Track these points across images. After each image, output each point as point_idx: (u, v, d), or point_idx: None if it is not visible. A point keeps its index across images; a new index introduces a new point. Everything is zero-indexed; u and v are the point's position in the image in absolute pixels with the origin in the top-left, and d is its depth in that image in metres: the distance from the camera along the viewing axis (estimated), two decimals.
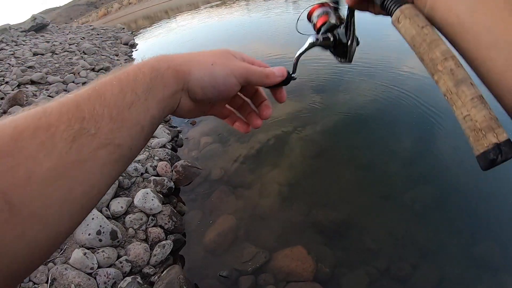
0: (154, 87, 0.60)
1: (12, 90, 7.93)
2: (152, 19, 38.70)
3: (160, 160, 5.46)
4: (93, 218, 3.75)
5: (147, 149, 5.70)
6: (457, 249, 3.48)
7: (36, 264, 0.49)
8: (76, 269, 3.34)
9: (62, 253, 3.59)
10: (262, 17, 19.49)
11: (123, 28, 28.82)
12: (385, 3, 0.71)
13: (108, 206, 4.29)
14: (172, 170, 5.26)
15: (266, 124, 6.15)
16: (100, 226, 3.71)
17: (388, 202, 4.08)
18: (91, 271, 3.39)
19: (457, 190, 4.10)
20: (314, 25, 0.98)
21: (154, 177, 4.99)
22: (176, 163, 5.37)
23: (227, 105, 0.88)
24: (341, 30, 0.91)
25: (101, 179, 0.52)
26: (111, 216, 4.15)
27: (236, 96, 0.87)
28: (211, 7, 32.37)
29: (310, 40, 0.91)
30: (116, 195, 4.52)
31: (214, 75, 0.68)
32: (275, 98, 0.88)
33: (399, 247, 3.60)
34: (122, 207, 4.27)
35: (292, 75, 0.83)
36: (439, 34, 0.62)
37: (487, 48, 0.54)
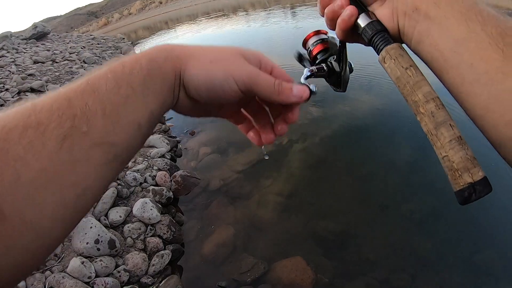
0: (152, 81, 0.55)
1: (12, 98, 7.95)
2: (152, 30, 38.94)
3: (159, 170, 5.46)
4: (91, 227, 3.74)
5: (146, 159, 5.70)
6: (457, 258, 3.48)
7: (27, 273, 0.46)
8: (74, 277, 3.32)
9: (59, 261, 3.57)
10: (261, 27, 19.69)
11: (123, 38, 28.96)
12: (372, 40, 0.71)
13: (106, 215, 4.28)
14: (171, 180, 5.25)
15: None
16: (99, 235, 3.70)
17: (386, 212, 4.08)
18: (89, 280, 3.36)
19: (455, 201, 4.10)
20: (310, 52, 0.96)
21: (153, 187, 4.98)
22: (175, 173, 5.36)
23: (242, 109, 0.79)
24: (334, 60, 0.91)
25: (95, 181, 0.48)
26: (109, 225, 4.14)
27: (253, 100, 0.77)
28: (210, 18, 32.67)
29: (306, 73, 0.87)
30: (114, 204, 4.50)
31: (210, 75, 0.60)
32: (285, 116, 0.77)
33: (398, 257, 3.59)
34: (120, 216, 4.26)
35: (314, 91, 0.75)
36: (422, 73, 0.64)
37: (471, 83, 0.56)
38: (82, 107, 0.47)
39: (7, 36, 15.62)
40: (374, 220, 4.02)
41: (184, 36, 25.35)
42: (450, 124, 0.58)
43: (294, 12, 22.61)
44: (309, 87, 0.72)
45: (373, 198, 4.33)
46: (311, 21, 17.86)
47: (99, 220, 4.05)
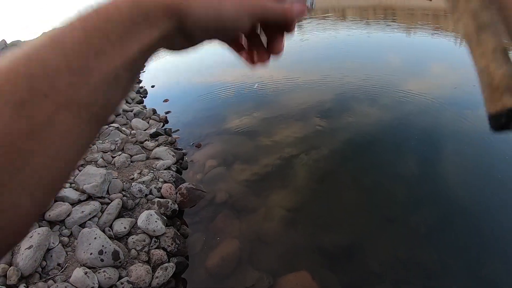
0: (134, 29, 0.46)
1: None
2: None
3: (165, 182, 5.45)
4: (95, 238, 3.73)
5: (152, 171, 5.69)
6: (463, 271, 3.43)
7: None
8: None
9: (62, 271, 3.55)
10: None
11: None
12: None
13: (111, 226, 4.27)
14: (176, 193, 5.23)
15: (271, 147, 6.17)
16: (103, 246, 3.68)
17: (392, 225, 4.04)
18: None
19: (462, 212, 4.06)
20: None
21: (158, 199, 4.96)
22: (180, 186, 5.34)
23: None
24: None
25: (66, 149, 0.42)
26: (113, 236, 4.12)
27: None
28: None
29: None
30: (119, 215, 4.49)
31: (222, 14, 0.51)
32: (271, 48, 0.69)
33: (404, 270, 3.54)
34: (125, 228, 4.24)
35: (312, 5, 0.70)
36: None
37: None
38: (41, 64, 0.40)
39: (17, 45, 15.73)
40: (380, 232, 3.98)
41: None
42: (495, 30, 0.47)
43: (300, 25, 22.82)
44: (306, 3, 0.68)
45: (379, 211, 4.30)
46: (318, 34, 18.04)
47: (103, 231, 4.03)
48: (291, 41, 16.90)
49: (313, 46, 15.27)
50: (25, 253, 3.36)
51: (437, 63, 10.23)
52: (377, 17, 22.23)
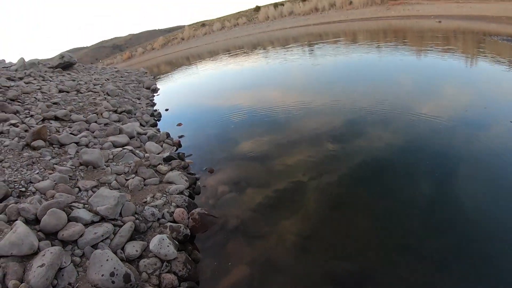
0: None
1: (37, 124, 8.16)
2: (174, 65, 39.98)
3: (177, 206, 5.45)
4: (107, 260, 3.72)
5: (164, 195, 5.71)
6: None
7: None
8: None
9: None
10: (280, 63, 20.12)
11: (146, 72, 29.72)
12: None
13: (123, 249, 4.26)
14: (188, 217, 5.23)
15: (283, 172, 6.17)
16: (114, 268, 3.67)
17: (406, 252, 3.96)
18: None
19: (477, 238, 3.96)
20: None
21: (171, 223, 4.96)
22: (193, 211, 5.34)
23: None
24: None
25: None
26: (125, 259, 4.11)
27: None
28: (231, 55, 33.49)
29: None
30: (131, 238, 4.49)
31: None
32: None
33: None
34: (137, 251, 4.23)
35: None
36: None
37: None
38: None
39: (35, 63, 16.07)
40: (393, 260, 3.90)
41: (205, 71, 25.95)
42: None
43: (312, 50, 23.16)
44: None
45: (392, 238, 4.23)
46: (329, 58, 18.24)
47: (115, 253, 4.03)
48: (303, 66, 17.19)
49: (325, 71, 15.46)
50: (37, 270, 3.36)
51: (447, 84, 10.24)
52: (388, 40, 22.44)
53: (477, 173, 5.24)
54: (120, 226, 4.59)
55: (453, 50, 15.86)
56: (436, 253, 3.85)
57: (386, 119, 7.71)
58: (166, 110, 14.02)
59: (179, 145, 8.90)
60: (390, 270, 3.80)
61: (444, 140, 6.30)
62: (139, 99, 15.90)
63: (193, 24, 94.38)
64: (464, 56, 14.11)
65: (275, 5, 72.63)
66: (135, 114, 12.15)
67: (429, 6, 40.20)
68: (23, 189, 5.04)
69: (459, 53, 14.86)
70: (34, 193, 5.01)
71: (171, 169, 6.82)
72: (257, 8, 78.66)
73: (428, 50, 16.40)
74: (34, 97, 10.70)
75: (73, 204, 4.85)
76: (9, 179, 5.20)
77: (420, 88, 10.04)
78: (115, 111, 11.51)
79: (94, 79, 18.28)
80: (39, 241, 3.82)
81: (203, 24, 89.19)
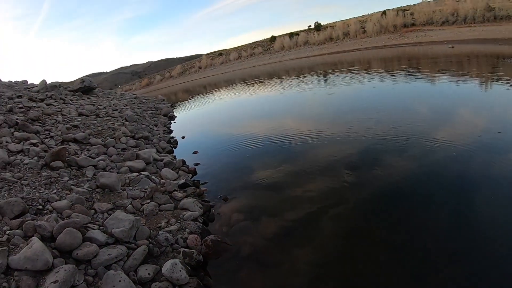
0: None
1: (56, 145, 8.32)
2: (191, 93, 40.59)
3: (191, 232, 5.43)
4: (120, 281, 3.71)
5: (179, 221, 5.70)
6: None
7: None
8: None
9: None
10: (295, 93, 20.33)
11: (164, 100, 30.27)
12: None
13: (135, 271, 4.24)
14: (202, 244, 5.20)
15: (297, 201, 6.14)
16: None
17: (422, 283, 3.84)
18: None
19: (496, 269, 3.82)
20: None
21: (184, 249, 4.94)
22: (206, 237, 5.32)
23: None
24: None
25: None
26: (137, 281, 4.08)
27: None
28: (247, 84, 33.95)
29: None
30: (144, 261, 4.47)
31: None
32: None
33: None
34: (149, 274, 4.20)
35: None
36: None
37: None
38: None
39: (56, 86, 16.44)
40: None
41: (222, 100, 26.32)
42: None
43: (327, 79, 23.40)
44: None
45: (408, 268, 4.11)
46: (344, 87, 18.38)
47: (128, 275, 4.01)
48: (318, 95, 17.36)
49: (340, 99, 15.60)
50: (50, 286, 3.37)
51: (462, 110, 10.24)
52: (402, 67, 22.57)
53: (495, 200, 5.12)
54: (134, 249, 4.59)
55: (467, 75, 15.92)
56: (454, 284, 3.73)
57: (400, 147, 7.68)
58: (183, 137, 14.19)
59: (194, 172, 8.94)
60: None
61: (459, 167, 6.22)
62: (156, 125, 16.15)
63: (210, 53, 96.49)
64: (478, 81, 14.11)
65: (290, 35, 74.10)
66: (152, 141, 12.32)
67: (442, 32, 40.58)
68: (40, 207, 5.10)
69: (473, 78, 14.90)
70: (51, 211, 5.07)
71: (186, 196, 6.84)
72: (273, 38, 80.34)
73: (442, 76, 16.48)
74: (55, 119, 10.95)
75: (89, 225, 4.89)
76: (27, 196, 5.28)
77: (435, 114, 10.02)
78: (133, 137, 11.69)
79: (113, 104, 18.67)
80: (54, 258, 3.83)
81: (220, 53, 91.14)
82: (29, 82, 19.69)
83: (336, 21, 71.73)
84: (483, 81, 13.81)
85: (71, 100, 15.93)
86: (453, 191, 5.58)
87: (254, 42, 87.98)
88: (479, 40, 30.62)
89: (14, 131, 8.44)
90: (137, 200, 6.33)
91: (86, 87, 19.41)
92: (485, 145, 6.95)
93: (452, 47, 29.67)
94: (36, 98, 13.50)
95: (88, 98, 18.23)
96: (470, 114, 9.64)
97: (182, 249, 4.92)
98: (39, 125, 9.71)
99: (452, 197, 5.39)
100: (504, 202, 5.03)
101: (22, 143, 7.78)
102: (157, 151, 10.96)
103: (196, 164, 9.60)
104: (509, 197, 5.13)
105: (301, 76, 29.21)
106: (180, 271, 4.26)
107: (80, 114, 12.99)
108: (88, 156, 8.12)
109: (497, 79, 13.52)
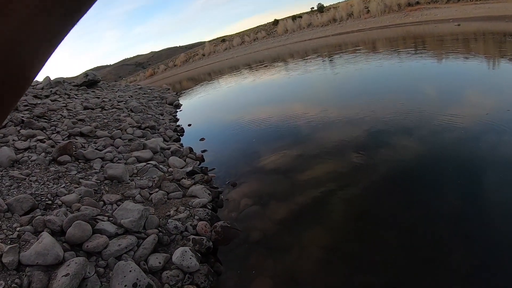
0: None
1: (63, 140, 8.38)
2: (196, 80, 40.55)
3: (200, 219, 5.45)
4: (130, 271, 3.74)
5: (188, 208, 5.73)
6: None
7: None
8: None
9: None
10: (300, 76, 20.21)
11: (169, 89, 30.30)
12: None
13: (146, 260, 4.27)
14: (211, 230, 5.21)
15: (306, 184, 6.11)
16: (137, 279, 3.68)
17: (433, 265, 3.81)
18: None
19: (508, 250, 3.78)
20: None
21: (193, 236, 4.96)
22: (215, 224, 5.33)
23: None
24: None
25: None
26: (148, 270, 4.11)
27: None
28: (252, 68, 33.80)
29: None
30: (155, 251, 4.50)
31: None
32: None
33: None
34: (160, 263, 4.23)
35: None
36: None
37: None
38: None
39: (60, 81, 16.53)
40: (420, 273, 3.75)
41: (227, 86, 26.27)
42: None
43: (331, 60, 23.20)
44: None
45: (418, 250, 4.08)
46: (349, 68, 18.22)
47: (138, 265, 4.04)
48: (323, 77, 17.25)
49: (345, 81, 15.48)
50: (62, 280, 3.40)
51: (470, 89, 10.06)
52: (407, 46, 22.26)
53: (506, 179, 5.04)
54: (144, 239, 4.62)
55: (474, 53, 15.61)
56: (464, 265, 3.70)
57: (408, 128, 7.58)
58: (189, 125, 14.19)
59: (202, 159, 8.95)
60: (416, 283, 3.67)
61: (469, 146, 6.13)
62: (162, 115, 16.16)
63: (213, 40, 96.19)
64: (486, 59, 13.85)
65: (293, 17, 73.49)
66: (158, 130, 12.34)
67: (447, 9, 39.92)
68: (50, 202, 5.15)
69: (481, 56, 14.62)
70: (60, 206, 5.11)
71: (194, 183, 6.85)
72: (276, 22, 79.70)
73: (449, 54, 16.22)
74: (60, 114, 11.01)
75: (98, 217, 4.93)
76: (36, 192, 5.33)
77: (442, 94, 9.84)
78: (139, 127, 11.72)
79: (118, 96, 18.71)
80: (64, 252, 3.87)
81: (223, 39, 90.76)
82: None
83: (339, 2, 70.87)
84: (490, 60, 13.55)
85: (75, 94, 16.00)
86: (463, 171, 5.49)
87: (257, 26, 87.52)
88: (486, 17, 30.01)
89: (21, 129, 8.49)
90: (146, 189, 6.36)
91: (90, 80, 19.48)
92: (496, 124, 6.83)
93: (458, 25, 29.17)
94: (40, 95, 13.58)
95: (92, 91, 18.29)
96: (479, 93, 9.46)
97: (191, 237, 4.94)
98: (45, 121, 9.78)
99: (462, 178, 5.32)
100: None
101: (29, 140, 7.83)
102: (164, 140, 10.99)
103: (204, 151, 9.61)
104: None
105: (305, 58, 28.96)
106: (190, 258, 4.28)
107: (85, 108, 13.05)
108: (95, 149, 8.17)
109: (505, 57, 13.26)
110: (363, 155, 6.84)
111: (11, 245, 3.79)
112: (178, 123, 14.92)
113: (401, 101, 9.83)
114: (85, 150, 7.86)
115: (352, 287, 3.85)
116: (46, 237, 3.87)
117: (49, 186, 5.67)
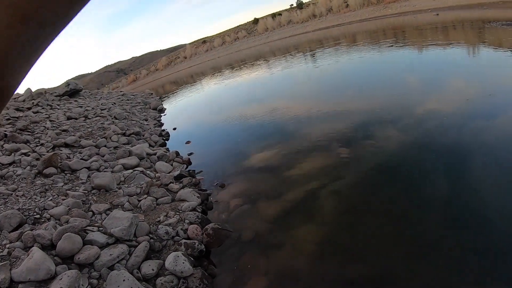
0: None
1: (47, 152, 8.26)
2: (178, 84, 40.38)
3: (191, 223, 5.45)
4: (124, 280, 3.73)
5: (177, 213, 5.72)
6: None
7: None
8: None
9: None
10: (282, 73, 20.33)
11: (152, 94, 30.16)
12: None
13: (139, 268, 4.27)
14: (202, 233, 5.23)
15: (294, 181, 6.16)
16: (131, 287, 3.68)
17: (425, 252, 3.89)
18: None
19: (497, 236, 3.86)
20: None
21: (185, 240, 4.96)
22: (206, 226, 5.34)
23: None
24: None
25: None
26: (142, 278, 4.11)
27: None
28: (234, 68, 33.82)
29: None
30: (147, 258, 4.50)
31: None
32: None
33: None
34: (153, 270, 4.24)
35: None
36: None
37: None
38: None
39: (42, 93, 16.30)
40: (412, 261, 3.83)
41: (210, 88, 26.26)
42: None
43: (312, 55, 23.34)
44: None
45: (410, 239, 4.16)
46: (330, 63, 18.34)
47: (131, 273, 4.04)
48: (305, 74, 17.35)
49: (327, 75, 15.58)
50: None
51: (451, 77, 10.20)
52: (388, 38, 22.50)
53: (492, 165, 5.14)
54: (135, 247, 4.61)
55: (453, 41, 15.85)
56: (455, 253, 3.77)
57: (392, 119, 7.69)
58: (174, 129, 14.15)
59: (189, 162, 8.95)
60: (408, 272, 3.74)
61: (454, 134, 6.24)
62: (146, 120, 16.06)
63: (194, 42, 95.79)
64: (465, 46, 14.07)
65: (273, 15, 73.59)
66: (143, 136, 12.28)
67: (425, 0, 40.26)
68: (38, 216, 5.10)
69: (460, 44, 14.85)
70: (48, 219, 5.07)
71: (183, 187, 6.85)
72: (256, 21, 79.80)
73: (429, 44, 16.42)
74: (43, 126, 10.88)
75: (88, 227, 4.90)
76: (24, 207, 5.28)
77: (424, 83, 10.00)
78: (124, 134, 11.63)
79: (101, 104, 18.51)
80: (56, 265, 3.85)
81: (204, 41, 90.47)
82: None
83: None
84: (470, 47, 13.75)
85: (58, 105, 15.79)
86: (447, 158, 5.60)
87: (238, 26, 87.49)
88: (464, 6, 30.35)
89: (4, 143, 8.37)
90: (134, 196, 6.34)
91: (72, 90, 19.23)
92: (479, 109, 6.96)
93: (437, 14, 29.48)
94: (22, 107, 13.39)
95: (75, 101, 18.07)
96: (461, 80, 9.61)
97: (183, 241, 4.94)
98: (28, 134, 9.65)
99: (448, 164, 5.42)
100: (502, 165, 5.06)
101: (13, 154, 7.73)
102: (150, 145, 10.95)
103: (190, 154, 9.60)
104: (507, 160, 5.15)
105: (287, 55, 29.06)
106: (183, 263, 4.28)
107: (68, 118, 12.90)
108: (81, 159, 8.10)
109: (484, 43, 13.47)
110: (348, 148, 6.92)
111: (1, 263, 3.76)
112: (163, 128, 14.85)
113: (383, 93, 9.95)
114: (70, 160, 7.79)
115: (345, 279, 3.90)
116: (36, 252, 3.84)
117: (36, 200, 5.61)
